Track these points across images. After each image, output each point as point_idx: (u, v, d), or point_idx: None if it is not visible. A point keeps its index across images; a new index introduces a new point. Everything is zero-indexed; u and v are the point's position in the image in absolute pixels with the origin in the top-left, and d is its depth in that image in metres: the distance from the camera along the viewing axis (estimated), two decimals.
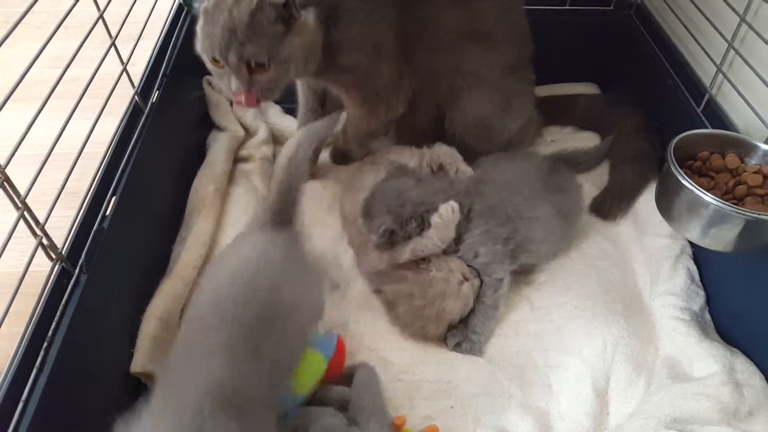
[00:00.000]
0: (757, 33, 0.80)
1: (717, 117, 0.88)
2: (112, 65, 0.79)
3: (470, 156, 0.98)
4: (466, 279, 0.82)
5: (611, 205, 0.98)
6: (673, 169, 0.72)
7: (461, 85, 0.95)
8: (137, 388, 0.73)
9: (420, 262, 0.83)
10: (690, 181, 0.70)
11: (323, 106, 1.01)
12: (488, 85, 0.95)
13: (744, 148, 0.76)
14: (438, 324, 0.81)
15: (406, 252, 0.81)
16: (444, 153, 0.96)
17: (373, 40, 0.84)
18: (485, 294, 0.83)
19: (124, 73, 0.83)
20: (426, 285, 0.81)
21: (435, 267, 0.82)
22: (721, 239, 0.71)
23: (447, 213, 0.81)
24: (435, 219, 0.80)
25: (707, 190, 0.69)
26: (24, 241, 0.57)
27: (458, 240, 0.83)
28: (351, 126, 0.99)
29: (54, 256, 0.60)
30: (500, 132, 1.00)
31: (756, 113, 0.79)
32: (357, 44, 0.83)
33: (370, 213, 0.84)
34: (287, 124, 1.13)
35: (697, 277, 0.86)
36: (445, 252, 0.83)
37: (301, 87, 1.01)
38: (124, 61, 0.82)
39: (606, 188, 1.01)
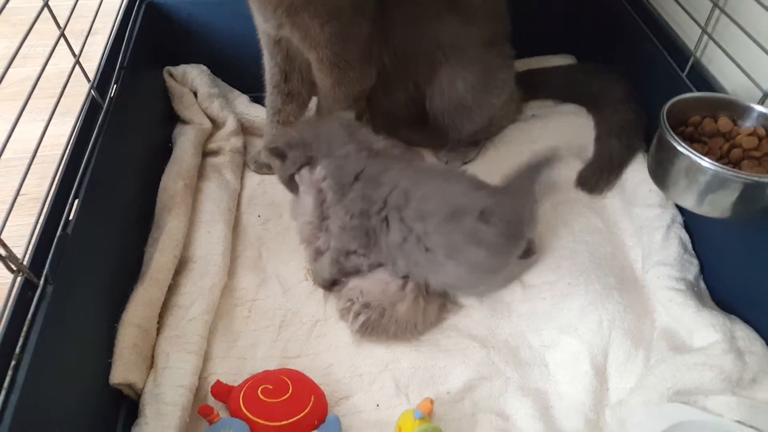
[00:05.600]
0: None
1: (703, 81, 0.86)
2: (67, 62, 0.74)
3: (452, 139, 0.95)
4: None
5: (598, 178, 0.96)
6: (667, 136, 0.70)
7: (440, 59, 0.92)
8: (118, 400, 0.70)
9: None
10: (686, 146, 0.68)
11: (286, 81, 0.96)
12: (468, 60, 0.92)
13: (736, 111, 0.74)
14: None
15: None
16: None
17: None
18: None
19: (79, 70, 0.77)
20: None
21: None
22: (719, 205, 0.69)
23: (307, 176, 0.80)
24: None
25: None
26: None
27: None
28: (323, 100, 0.95)
29: (15, 268, 0.55)
30: (482, 109, 0.97)
31: (746, 74, 0.77)
32: None
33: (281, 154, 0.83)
34: (256, 113, 1.09)
35: (689, 245, 0.85)
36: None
37: (266, 58, 0.96)
38: (76, 53, 0.76)
39: (592, 161, 0.99)
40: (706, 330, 0.72)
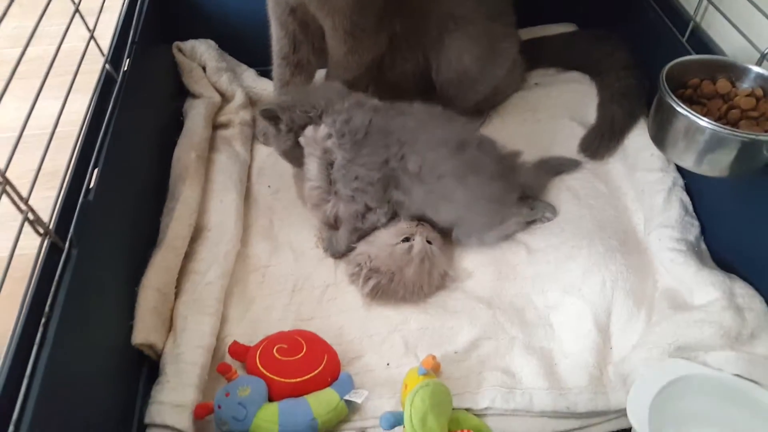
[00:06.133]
0: None
1: (703, 45, 0.87)
2: (78, 40, 0.75)
3: (455, 109, 0.97)
4: (407, 240, 0.81)
5: (600, 144, 0.98)
6: (667, 97, 0.71)
7: (451, 30, 0.93)
8: (139, 359, 0.73)
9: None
10: (685, 107, 0.69)
11: (295, 51, 0.97)
12: (475, 32, 0.93)
13: (735, 72, 0.75)
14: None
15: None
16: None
17: None
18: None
19: (91, 47, 0.78)
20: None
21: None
22: (718, 164, 0.71)
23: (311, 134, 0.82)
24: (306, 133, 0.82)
25: None
26: (12, 225, 0.54)
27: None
28: (333, 69, 0.96)
29: (42, 231, 0.58)
30: (487, 79, 0.98)
31: (745, 36, 0.78)
32: None
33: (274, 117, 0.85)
34: (263, 86, 1.10)
35: (690, 208, 0.86)
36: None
37: (275, 29, 0.97)
38: (90, 28, 0.78)
39: (594, 127, 1.00)
40: (706, 288, 0.74)
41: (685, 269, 0.77)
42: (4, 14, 0.59)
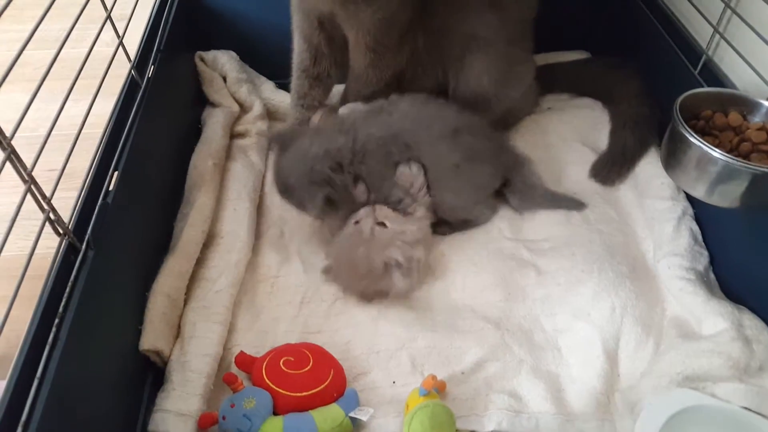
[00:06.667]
0: None
1: (715, 79, 0.88)
2: (99, 45, 0.76)
3: None
4: (381, 224, 0.82)
5: (610, 170, 0.98)
6: (680, 127, 0.72)
7: (473, 49, 0.94)
8: (145, 366, 0.73)
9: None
10: (698, 138, 0.70)
11: (315, 64, 0.98)
12: (495, 54, 0.95)
13: (746, 106, 0.77)
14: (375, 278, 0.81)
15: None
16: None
17: None
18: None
19: (120, 51, 0.80)
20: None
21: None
22: (729, 195, 0.71)
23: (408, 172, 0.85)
24: (401, 173, 0.84)
25: None
26: (29, 223, 0.55)
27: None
28: (353, 83, 0.98)
29: (62, 231, 0.59)
30: (502, 100, 1.00)
31: (756, 72, 0.79)
32: None
33: (291, 190, 0.84)
34: (281, 99, 1.12)
35: (700, 237, 0.87)
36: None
37: (298, 42, 0.98)
38: (120, 34, 0.80)
39: (606, 153, 1.01)
40: (714, 318, 0.74)
41: (693, 298, 0.77)
42: (42, 18, 0.60)
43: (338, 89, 1.07)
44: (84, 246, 0.62)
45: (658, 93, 1.01)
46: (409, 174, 0.85)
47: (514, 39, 0.97)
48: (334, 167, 0.82)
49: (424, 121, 0.87)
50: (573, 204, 0.95)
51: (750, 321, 0.73)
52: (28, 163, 0.55)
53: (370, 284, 0.81)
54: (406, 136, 0.85)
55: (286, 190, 0.85)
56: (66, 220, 0.62)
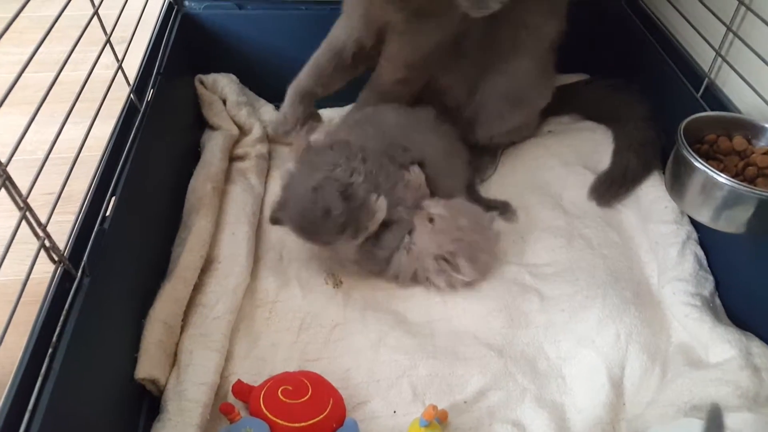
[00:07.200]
0: (757, 15, 0.80)
1: (717, 102, 0.88)
2: (99, 68, 0.76)
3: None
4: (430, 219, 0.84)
5: (609, 189, 0.98)
6: (684, 152, 0.72)
7: (523, 39, 0.93)
8: (140, 395, 0.71)
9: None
10: (704, 162, 0.70)
11: (352, 56, 0.96)
12: (537, 54, 0.95)
13: (751, 130, 0.76)
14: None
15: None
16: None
17: None
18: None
19: (118, 74, 0.80)
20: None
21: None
22: (735, 221, 0.71)
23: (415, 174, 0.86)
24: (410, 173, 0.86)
25: None
26: (24, 248, 0.54)
27: None
28: (374, 93, 0.98)
29: (57, 258, 0.58)
30: (529, 105, 1.00)
31: (759, 95, 0.79)
32: None
33: (304, 226, 0.82)
34: None
35: (705, 262, 0.86)
36: None
37: (345, 27, 0.96)
38: (119, 58, 0.79)
39: (607, 172, 1.00)
40: (722, 346, 0.72)
41: (700, 325, 0.76)
42: (42, 41, 0.61)
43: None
44: (80, 273, 0.61)
45: (659, 116, 1.01)
46: (418, 173, 0.86)
47: (551, 46, 0.97)
48: (344, 191, 0.79)
49: (410, 123, 0.92)
50: (505, 209, 0.97)
51: (758, 349, 0.72)
52: (25, 188, 0.54)
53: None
54: (402, 140, 0.88)
55: (303, 230, 0.83)
56: (62, 245, 0.61)
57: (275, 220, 0.86)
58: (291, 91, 1.02)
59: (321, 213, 0.78)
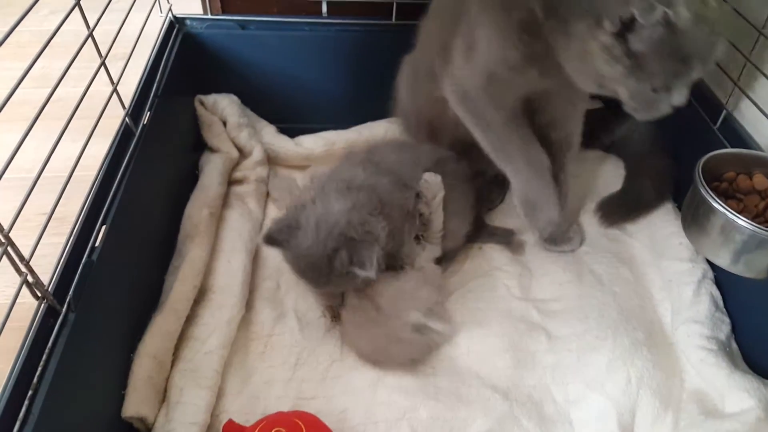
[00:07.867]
0: None
1: (735, 134, 0.85)
2: (99, 84, 0.74)
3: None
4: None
5: (617, 209, 0.95)
6: (703, 192, 0.69)
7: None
8: None
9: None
10: (722, 204, 0.66)
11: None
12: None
13: None
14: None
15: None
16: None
17: None
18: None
19: (109, 98, 0.77)
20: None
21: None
22: (756, 265, 0.67)
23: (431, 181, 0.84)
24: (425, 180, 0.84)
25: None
26: (7, 270, 0.52)
27: None
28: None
29: (40, 294, 0.54)
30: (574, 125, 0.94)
31: None
32: None
33: (316, 278, 0.76)
34: (282, 144, 1.09)
35: (721, 303, 0.82)
36: None
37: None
38: (114, 81, 0.77)
39: (619, 192, 0.97)
40: (739, 394, 0.69)
41: (716, 371, 0.73)
42: (38, 56, 0.58)
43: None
44: (65, 308, 0.58)
45: (677, 149, 0.98)
46: (435, 182, 0.84)
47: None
48: (373, 214, 0.75)
49: (410, 159, 0.88)
50: (507, 236, 0.96)
51: None
52: (8, 209, 0.51)
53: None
54: (404, 178, 0.84)
55: (304, 276, 0.77)
56: (50, 272, 0.58)
57: (271, 241, 0.77)
58: None
59: (331, 269, 0.73)
